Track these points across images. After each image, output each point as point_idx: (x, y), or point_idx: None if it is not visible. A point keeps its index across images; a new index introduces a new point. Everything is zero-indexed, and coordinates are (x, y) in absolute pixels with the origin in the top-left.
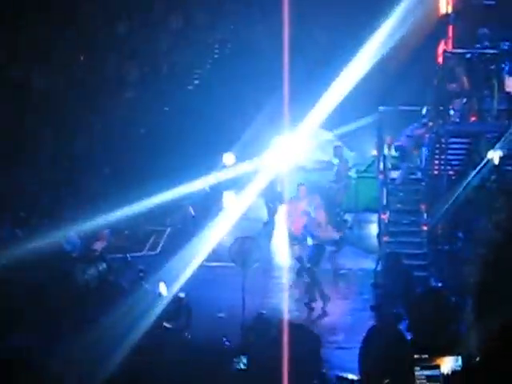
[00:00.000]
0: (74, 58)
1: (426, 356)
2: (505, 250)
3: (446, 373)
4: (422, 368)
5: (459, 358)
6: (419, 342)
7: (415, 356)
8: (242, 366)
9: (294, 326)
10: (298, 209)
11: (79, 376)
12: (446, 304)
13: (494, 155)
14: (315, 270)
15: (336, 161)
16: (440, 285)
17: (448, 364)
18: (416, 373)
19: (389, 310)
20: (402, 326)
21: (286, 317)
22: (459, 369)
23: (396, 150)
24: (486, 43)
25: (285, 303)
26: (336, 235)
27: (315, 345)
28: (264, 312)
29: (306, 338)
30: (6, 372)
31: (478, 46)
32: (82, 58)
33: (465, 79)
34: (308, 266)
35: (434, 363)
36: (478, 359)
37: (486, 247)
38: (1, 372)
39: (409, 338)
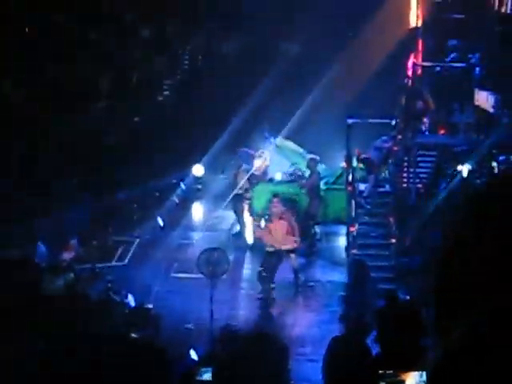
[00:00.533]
0: (45, 68)
1: (391, 371)
2: (453, 253)
3: None
4: (387, 383)
5: (423, 373)
6: (386, 355)
7: (380, 371)
8: (207, 378)
9: (262, 337)
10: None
11: None
12: (413, 317)
13: (463, 168)
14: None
15: (308, 173)
16: (407, 297)
17: (413, 379)
18: None
19: (356, 320)
20: (369, 338)
21: (254, 328)
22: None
23: (363, 163)
24: (455, 55)
25: (252, 314)
26: (294, 244)
27: (283, 356)
28: (232, 323)
29: (274, 348)
30: None
31: (448, 58)
32: (53, 67)
33: (430, 100)
34: (263, 274)
35: (399, 378)
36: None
37: (436, 254)
38: None
39: (376, 350)
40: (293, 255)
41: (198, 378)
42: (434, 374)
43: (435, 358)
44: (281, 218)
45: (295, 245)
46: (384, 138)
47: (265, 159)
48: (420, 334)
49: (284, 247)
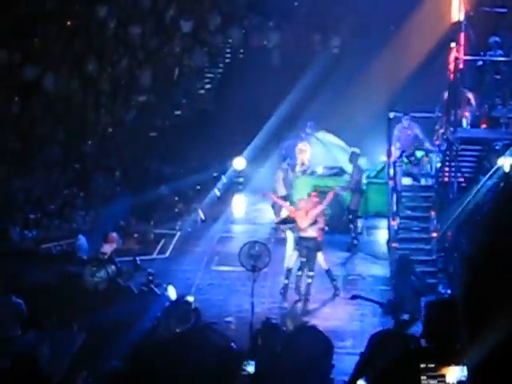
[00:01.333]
0: (86, 60)
1: (433, 365)
2: (494, 251)
3: (451, 383)
4: (428, 377)
5: (465, 368)
6: (428, 349)
7: (422, 365)
8: (250, 371)
9: (306, 329)
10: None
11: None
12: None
13: (505, 162)
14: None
15: (350, 167)
16: (449, 292)
17: (454, 374)
18: (422, 382)
19: (399, 314)
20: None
21: (295, 321)
22: (464, 379)
23: (407, 157)
24: (498, 51)
25: (294, 307)
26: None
27: (326, 348)
28: (272, 317)
29: (318, 341)
30: (16, 373)
31: (490, 53)
32: (94, 61)
33: (470, 96)
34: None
35: (440, 373)
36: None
37: (478, 251)
38: (11, 373)
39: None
40: (320, 253)
41: (241, 371)
42: (473, 373)
43: (474, 357)
44: (313, 208)
45: (319, 236)
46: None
47: (306, 152)
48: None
49: (308, 234)
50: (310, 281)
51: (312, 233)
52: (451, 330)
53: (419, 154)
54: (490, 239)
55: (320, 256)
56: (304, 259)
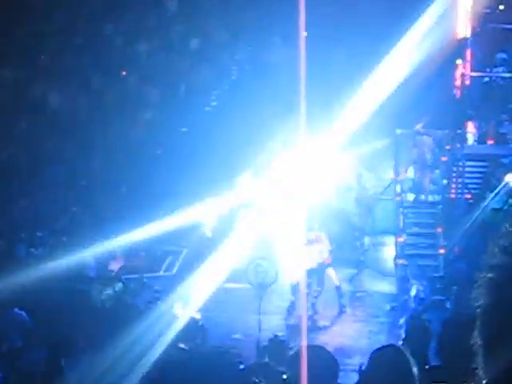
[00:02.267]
0: (92, 77)
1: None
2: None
3: None
4: None
5: None
6: (442, 367)
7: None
8: None
9: (313, 348)
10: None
11: None
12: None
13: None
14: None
15: (355, 186)
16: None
17: None
18: None
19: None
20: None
21: (303, 338)
22: None
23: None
24: (503, 68)
25: (301, 325)
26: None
27: (333, 368)
28: (280, 334)
29: (324, 361)
30: None
31: (496, 70)
32: (101, 77)
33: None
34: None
35: None
36: None
37: (491, 270)
38: None
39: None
40: (331, 270)
41: None
42: None
43: (490, 377)
44: (314, 242)
45: (327, 259)
46: None
47: None
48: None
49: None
50: (315, 299)
51: (319, 259)
52: (467, 349)
53: None
54: (507, 259)
55: (332, 272)
56: (310, 280)
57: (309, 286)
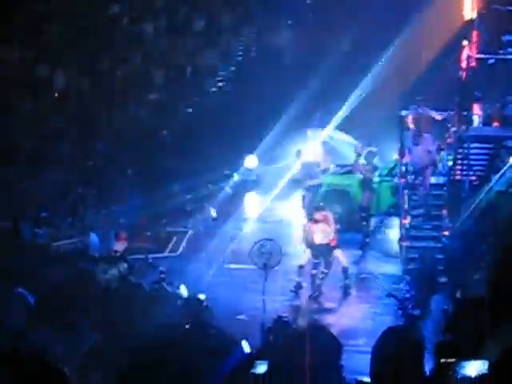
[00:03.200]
0: (98, 59)
1: (453, 360)
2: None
3: (473, 376)
4: (447, 371)
5: (486, 362)
6: (453, 345)
7: (442, 360)
8: (261, 371)
9: (316, 329)
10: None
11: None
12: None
13: None
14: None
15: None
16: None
17: (474, 368)
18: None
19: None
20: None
21: (306, 319)
22: (487, 373)
23: None
24: (510, 50)
25: (305, 306)
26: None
27: (336, 349)
28: (284, 315)
29: (328, 341)
30: (26, 370)
31: (502, 51)
32: (107, 60)
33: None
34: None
35: (460, 367)
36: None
37: (501, 251)
38: (21, 370)
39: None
40: (339, 252)
41: (253, 370)
42: (495, 367)
43: (495, 351)
44: (321, 221)
45: (332, 240)
46: None
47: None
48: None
49: (324, 242)
50: (320, 281)
51: (325, 240)
52: (477, 326)
53: None
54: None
55: (339, 253)
56: (317, 261)
57: (315, 266)
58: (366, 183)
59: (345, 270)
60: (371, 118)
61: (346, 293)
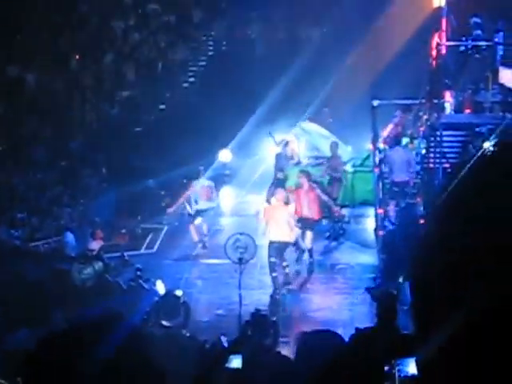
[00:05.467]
0: (70, 57)
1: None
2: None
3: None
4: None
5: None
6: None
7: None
8: (236, 365)
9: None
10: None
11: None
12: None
13: (489, 146)
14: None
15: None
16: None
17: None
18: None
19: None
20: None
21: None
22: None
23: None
24: (479, 32)
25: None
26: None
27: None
28: (262, 308)
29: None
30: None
31: (472, 37)
32: (77, 57)
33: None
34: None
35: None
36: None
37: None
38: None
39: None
40: (309, 233)
41: (227, 365)
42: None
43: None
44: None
45: (318, 216)
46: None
47: (294, 143)
48: None
49: (306, 216)
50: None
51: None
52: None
53: (404, 140)
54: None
55: (309, 234)
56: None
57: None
58: (333, 173)
59: (309, 251)
60: (344, 108)
61: (309, 275)
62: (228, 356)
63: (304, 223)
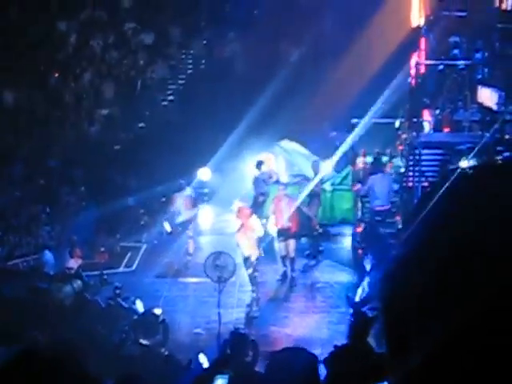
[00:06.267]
0: (48, 74)
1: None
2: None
3: None
4: None
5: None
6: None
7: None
8: None
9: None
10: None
11: None
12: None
13: (466, 164)
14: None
15: (312, 175)
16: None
17: None
18: None
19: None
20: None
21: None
22: None
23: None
24: (457, 51)
25: (260, 317)
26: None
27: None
28: (240, 327)
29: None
30: None
31: (450, 56)
32: (56, 75)
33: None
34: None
35: None
36: None
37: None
38: None
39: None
40: (292, 241)
41: None
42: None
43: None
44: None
45: (297, 228)
46: None
47: (271, 162)
48: None
49: (288, 226)
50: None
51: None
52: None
53: (384, 159)
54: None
55: (292, 243)
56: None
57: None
58: (313, 193)
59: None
60: (325, 127)
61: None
62: (214, 376)
63: (286, 233)
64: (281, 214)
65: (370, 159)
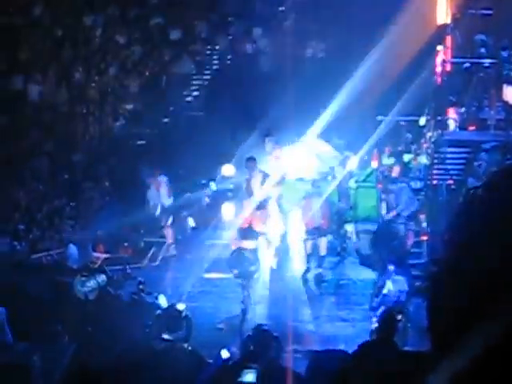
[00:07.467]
0: (73, 70)
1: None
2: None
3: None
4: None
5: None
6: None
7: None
8: (250, 380)
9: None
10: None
11: None
12: None
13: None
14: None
15: (340, 171)
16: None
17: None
18: None
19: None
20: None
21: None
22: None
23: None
24: (483, 50)
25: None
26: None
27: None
28: (264, 323)
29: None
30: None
31: (476, 54)
32: (81, 70)
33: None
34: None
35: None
36: None
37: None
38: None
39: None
40: (324, 239)
41: (240, 379)
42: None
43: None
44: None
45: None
46: None
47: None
48: None
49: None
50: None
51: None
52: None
53: (408, 157)
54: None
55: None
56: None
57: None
58: (342, 188)
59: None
60: (350, 124)
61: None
62: (242, 371)
63: (317, 232)
64: (311, 211)
65: (392, 160)
